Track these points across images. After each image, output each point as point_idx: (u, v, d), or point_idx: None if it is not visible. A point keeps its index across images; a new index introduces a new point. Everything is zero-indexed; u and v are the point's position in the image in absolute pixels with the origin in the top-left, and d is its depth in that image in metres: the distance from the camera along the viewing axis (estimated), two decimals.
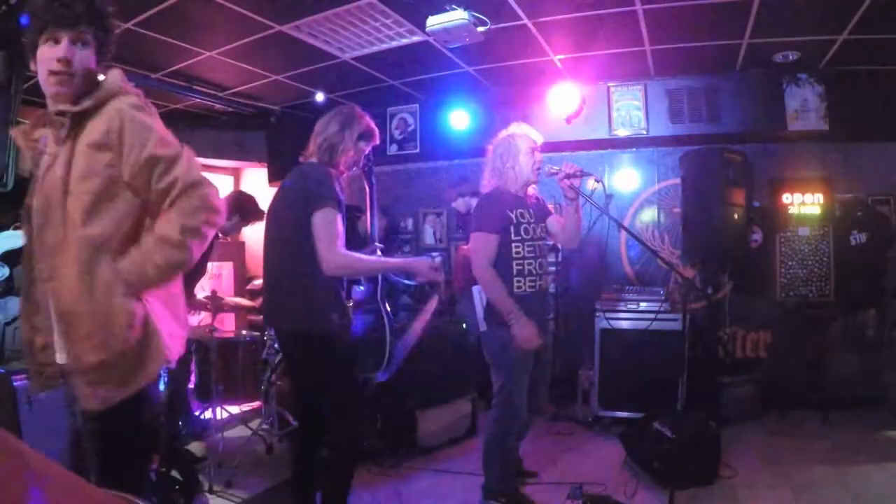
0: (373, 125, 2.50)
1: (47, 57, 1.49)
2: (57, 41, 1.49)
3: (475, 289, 2.91)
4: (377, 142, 2.55)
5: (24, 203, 1.57)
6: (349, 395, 2.41)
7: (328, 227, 2.22)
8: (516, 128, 2.95)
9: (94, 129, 1.51)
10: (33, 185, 1.57)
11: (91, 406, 1.50)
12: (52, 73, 1.49)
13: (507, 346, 2.78)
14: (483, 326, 2.87)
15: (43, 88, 1.54)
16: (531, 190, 2.95)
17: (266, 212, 2.56)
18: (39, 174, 1.55)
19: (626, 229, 3.57)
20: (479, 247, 2.78)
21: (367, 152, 2.54)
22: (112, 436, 1.53)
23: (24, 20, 1.55)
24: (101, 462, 1.55)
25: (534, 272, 2.82)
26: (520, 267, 2.80)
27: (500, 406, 2.82)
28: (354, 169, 2.52)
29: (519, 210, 2.81)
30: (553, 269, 4.89)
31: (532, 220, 2.84)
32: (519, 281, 2.79)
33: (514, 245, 2.78)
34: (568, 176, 2.81)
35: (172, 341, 1.62)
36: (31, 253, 1.56)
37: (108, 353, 1.49)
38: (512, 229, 2.78)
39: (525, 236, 2.80)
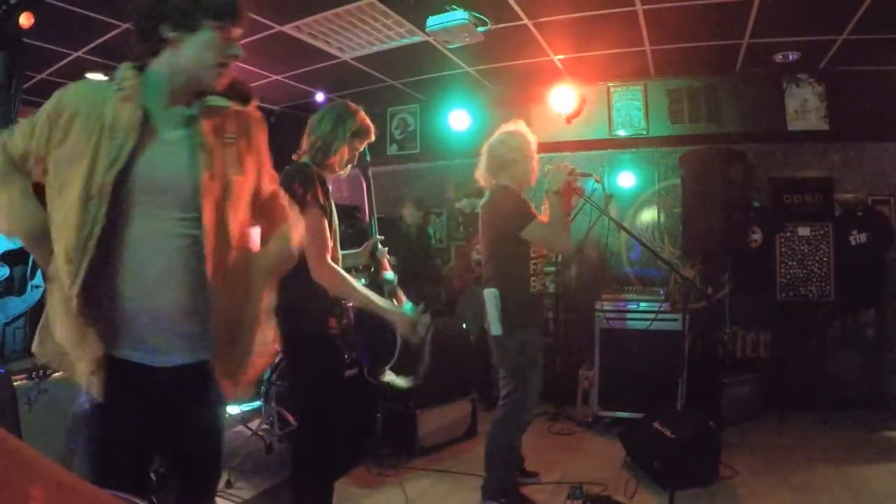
0: (367, 121, 2.40)
1: (221, 46, 1.42)
2: (229, 36, 1.43)
3: (487, 292, 2.84)
4: (372, 138, 2.47)
5: (113, 178, 1.32)
6: (325, 404, 2.30)
7: (315, 237, 2.13)
8: (517, 126, 2.92)
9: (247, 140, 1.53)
10: (132, 160, 1.35)
11: (242, 395, 1.55)
12: (222, 64, 1.44)
13: (525, 348, 2.75)
14: (498, 330, 2.76)
15: (193, 71, 1.41)
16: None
17: None
18: (154, 153, 1.39)
19: (625, 229, 3.57)
20: (544, 234, 2.71)
21: (362, 149, 2.48)
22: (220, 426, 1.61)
23: None
24: (210, 451, 1.58)
25: (537, 271, 2.83)
26: (535, 267, 2.82)
27: (510, 408, 2.79)
28: (350, 167, 2.46)
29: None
30: (552, 269, 4.90)
31: None
32: (534, 280, 2.80)
33: (531, 246, 2.79)
34: (570, 174, 2.80)
35: None
36: (113, 236, 1.35)
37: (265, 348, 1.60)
38: None
39: None
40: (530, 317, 2.81)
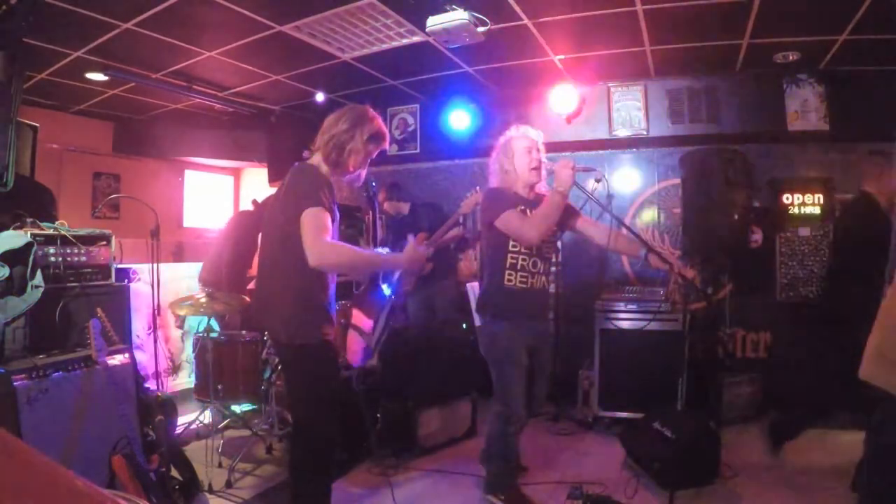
0: (384, 127, 2.43)
1: None
2: None
3: (468, 286, 2.93)
4: (386, 145, 2.50)
5: None
6: (321, 408, 2.30)
7: (315, 222, 2.12)
8: (514, 130, 2.97)
9: None
10: None
11: None
12: None
13: (496, 339, 2.83)
14: (478, 321, 2.91)
15: None
16: (543, 189, 2.94)
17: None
18: None
19: (627, 228, 3.57)
20: (513, 222, 2.75)
21: (375, 155, 2.49)
22: None
23: None
24: None
25: (527, 269, 2.83)
26: (513, 261, 2.82)
27: (498, 399, 2.87)
28: (358, 176, 2.46)
29: (521, 208, 2.82)
30: (553, 269, 4.89)
31: None
32: (510, 274, 2.82)
33: (510, 240, 2.80)
34: (572, 169, 2.80)
35: None
36: None
37: None
38: None
39: None
40: (505, 310, 2.83)
